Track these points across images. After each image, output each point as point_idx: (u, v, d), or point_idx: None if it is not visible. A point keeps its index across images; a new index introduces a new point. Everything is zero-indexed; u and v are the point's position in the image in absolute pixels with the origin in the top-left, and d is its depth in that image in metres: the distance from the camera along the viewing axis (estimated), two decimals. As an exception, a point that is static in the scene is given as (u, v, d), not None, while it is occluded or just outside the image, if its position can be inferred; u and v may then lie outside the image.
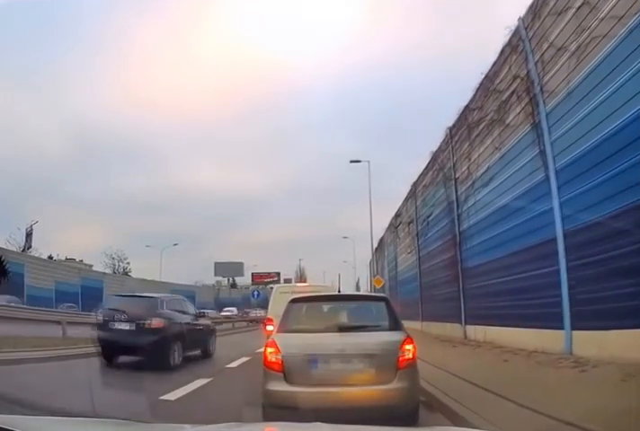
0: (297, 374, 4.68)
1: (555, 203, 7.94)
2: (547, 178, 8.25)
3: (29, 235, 46.21)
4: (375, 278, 28.58)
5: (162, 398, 6.65)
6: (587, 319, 7.18)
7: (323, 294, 7.44)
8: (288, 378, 4.67)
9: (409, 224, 20.27)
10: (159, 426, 3.12)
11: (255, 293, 38.05)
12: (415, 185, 18.78)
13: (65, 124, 75.61)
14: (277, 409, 4.56)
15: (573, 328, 7.54)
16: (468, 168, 11.68)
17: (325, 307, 5.89)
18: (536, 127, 8.83)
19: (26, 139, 66.98)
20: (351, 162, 26.93)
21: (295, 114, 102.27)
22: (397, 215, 24.17)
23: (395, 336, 4.92)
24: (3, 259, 31.13)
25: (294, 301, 5.56)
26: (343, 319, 5.54)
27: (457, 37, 78.48)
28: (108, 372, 9.48)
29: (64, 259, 53.81)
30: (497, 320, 10.19)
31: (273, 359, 4.77)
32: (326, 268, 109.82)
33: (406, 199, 21.24)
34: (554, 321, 7.94)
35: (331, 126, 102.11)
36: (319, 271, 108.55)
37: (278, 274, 73.24)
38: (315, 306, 5.77)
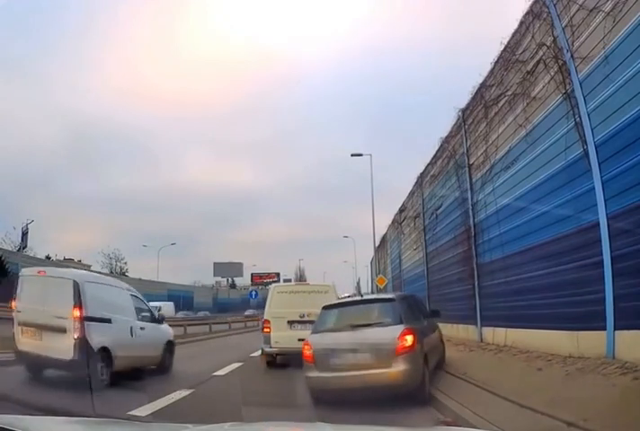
0: (322, 364, 6.13)
1: (597, 182, 6.76)
2: (586, 153, 7.09)
3: (24, 234, 45.28)
4: (377, 277, 27.36)
5: (132, 413, 5.71)
6: (634, 316, 6.10)
7: (348, 300, 8.76)
8: (317, 367, 6.18)
9: (415, 218, 19.01)
10: (159, 425, 3.16)
11: (253, 293, 37.00)
12: (422, 176, 17.51)
13: (63, 123, 74.62)
14: (314, 390, 6.10)
15: (617, 327, 6.46)
16: (485, 151, 10.46)
17: (346, 310, 7.12)
18: (568, 96, 7.79)
19: (24, 138, 65.85)
20: (353, 155, 25.78)
21: (296, 114, 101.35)
22: (401, 210, 22.88)
23: (395, 329, 6.08)
24: (3, 259, 30.62)
25: (325, 307, 7.20)
26: (356, 319, 6.63)
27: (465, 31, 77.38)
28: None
29: (62, 259, 52.83)
30: (521, 321, 8.96)
31: (308, 353, 6.36)
32: (326, 268, 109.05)
33: (412, 193, 19.97)
34: (593, 321, 6.84)
35: (333, 126, 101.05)
36: (319, 271, 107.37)
37: (277, 274, 72.38)
38: (339, 310, 7.15)
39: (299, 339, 9.91)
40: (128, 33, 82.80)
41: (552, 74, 8.36)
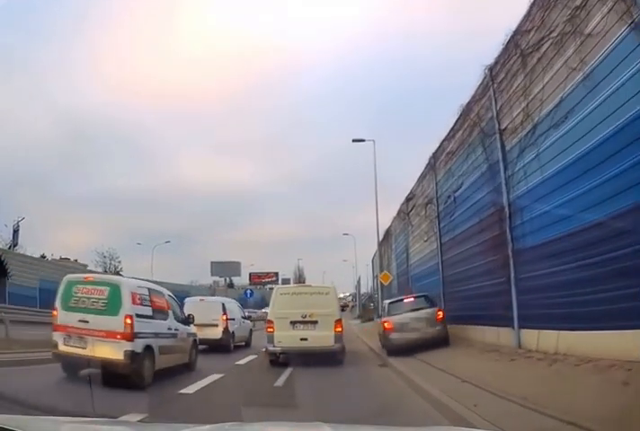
0: (398, 330, 12.02)
1: None
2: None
3: (15, 232, 43.81)
4: (381, 274, 25.28)
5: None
6: None
7: (401, 297, 14.29)
8: (395, 332, 12.09)
9: (426, 205, 16.93)
10: (159, 425, 3.15)
11: (249, 292, 35.18)
12: (435, 156, 15.48)
13: (58, 120, 72.78)
14: (390, 345, 12.23)
15: None
16: (525, 109, 8.47)
17: (403, 302, 13.36)
18: (638, 27, 5.94)
19: (18, 135, 63.94)
20: (354, 141, 23.73)
21: (295, 112, 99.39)
22: (409, 199, 20.72)
23: (434, 310, 12.41)
24: (2, 258, 29.14)
25: (390, 303, 13.84)
26: (410, 306, 12.81)
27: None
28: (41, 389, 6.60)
29: (58, 258, 50.99)
30: (579, 321, 6.94)
31: (389, 326, 12.29)
32: (326, 267, 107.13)
33: (422, 176, 17.86)
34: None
35: (333, 125, 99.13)
36: (319, 271, 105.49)
37: (276, 274, 70.75)
38: (399, 303, 13.45)
39: (302, 339, 10.83)
40: (125, 31, 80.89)
41: (611, 4, 6.49)
